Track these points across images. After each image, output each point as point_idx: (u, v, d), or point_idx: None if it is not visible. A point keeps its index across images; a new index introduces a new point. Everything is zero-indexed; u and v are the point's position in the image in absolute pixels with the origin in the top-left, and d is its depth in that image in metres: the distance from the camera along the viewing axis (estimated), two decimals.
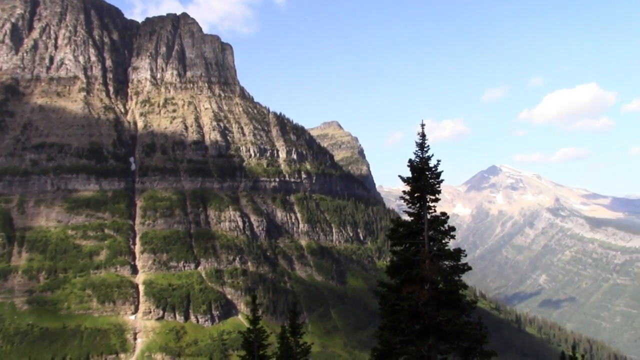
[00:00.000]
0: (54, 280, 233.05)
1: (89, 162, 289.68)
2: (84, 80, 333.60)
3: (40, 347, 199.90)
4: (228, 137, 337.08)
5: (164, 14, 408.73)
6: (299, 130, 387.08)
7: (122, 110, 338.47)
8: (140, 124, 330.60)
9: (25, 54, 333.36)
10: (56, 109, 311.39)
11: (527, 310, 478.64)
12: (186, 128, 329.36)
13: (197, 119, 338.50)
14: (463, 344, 27.38)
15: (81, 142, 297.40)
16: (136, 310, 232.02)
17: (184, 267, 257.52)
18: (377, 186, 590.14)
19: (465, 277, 30.43)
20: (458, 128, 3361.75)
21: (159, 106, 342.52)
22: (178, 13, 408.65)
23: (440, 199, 29.16)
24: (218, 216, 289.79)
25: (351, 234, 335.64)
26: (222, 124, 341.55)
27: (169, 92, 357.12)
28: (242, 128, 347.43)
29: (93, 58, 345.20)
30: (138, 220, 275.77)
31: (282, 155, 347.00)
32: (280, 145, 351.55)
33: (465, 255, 28.62)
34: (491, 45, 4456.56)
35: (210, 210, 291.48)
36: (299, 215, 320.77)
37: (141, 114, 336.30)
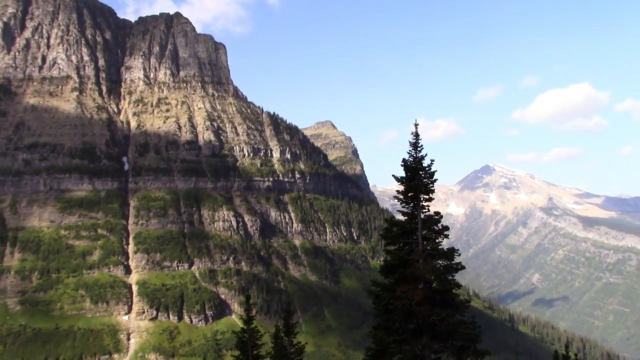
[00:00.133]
0: (47, 281, 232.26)
1: (81, 162, 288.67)
2: (77, 80, 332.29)
3: (33, 348, 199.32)
4: (221, 137, 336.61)
5: (157, 13, 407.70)
6: (293, 130, 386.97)
7: (115, 109, 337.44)
8: (133, 124, 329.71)
9: (17, 54, 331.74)
10: (49, 108, 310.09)
11: (520, 309, 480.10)
12: (179, 128, 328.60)
13: (190, 119, 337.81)
14: (457, 343, 27.41)
15: (74, 142, 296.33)
16: (129, 311, 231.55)
17: (178, 267, 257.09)
18: (370, 186, 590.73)
19: (459, 276, 30.47)
20: (451, 128, 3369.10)
21: (152, 106, 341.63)
22: (171, 12, 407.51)
23: (433, 199, 29.20)
24: (212, 216, 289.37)
25: (345, 234, 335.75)
26: (215, 124, 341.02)
27: (162, 91, 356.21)
28: (235, 128, 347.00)
29: (86, 57, 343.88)
30: (131, 220, 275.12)
31: (276, 155, 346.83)
32: (273, 145, 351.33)
33: (459, 255, 28.66)
34: (484, 45, 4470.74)
35: (203, 210, 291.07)
36: (292, 215, 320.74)
37: (134, 114, 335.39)
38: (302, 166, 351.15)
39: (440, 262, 28.38)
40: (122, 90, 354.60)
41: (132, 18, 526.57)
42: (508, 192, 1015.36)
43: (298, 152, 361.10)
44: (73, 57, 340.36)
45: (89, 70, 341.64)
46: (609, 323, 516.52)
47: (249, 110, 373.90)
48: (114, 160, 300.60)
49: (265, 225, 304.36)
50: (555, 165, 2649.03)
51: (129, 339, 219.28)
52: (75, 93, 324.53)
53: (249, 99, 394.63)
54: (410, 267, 27.46)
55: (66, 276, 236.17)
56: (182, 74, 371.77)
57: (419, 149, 28.74)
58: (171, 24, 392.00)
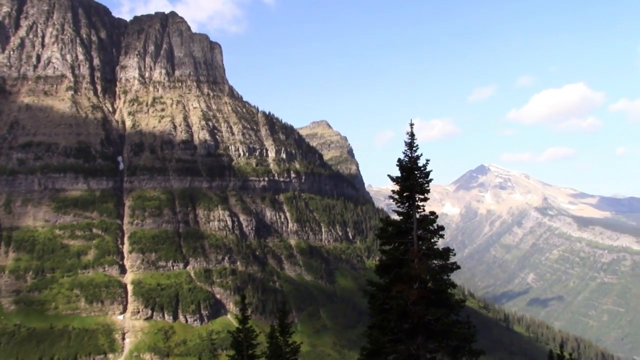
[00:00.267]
0: (42, 280, 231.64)
1: (76, 161, 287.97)
2: (72, 79, 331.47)
3: (27, 348, 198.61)
4: (217, 137, 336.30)
5: (152, 12, 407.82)
6: (288, 130, 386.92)
7: (110, 109, 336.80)
8: (128, 123, 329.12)
9: (12, 52, 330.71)
10: (43, 107, 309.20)
11: (515, 309, 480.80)
12: (175, 127, 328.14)
13: (185, 118, 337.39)
14: (452, 342, 27.44)
15: (69, 141, 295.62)
16: (124, 310, 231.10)
17: (173, 266, 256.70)
18: (366, 185, 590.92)
19: (454, 276, 30.53)
20: (447, 127, 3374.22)
21: (147, 105, 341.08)
22: (166, 12, 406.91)
23: (429, 198, 29.22)
24: (207, 216, 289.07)
25: (340, 234, 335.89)
26: (210, 123, 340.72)
27: (158, 91, 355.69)
28: (231, 127, 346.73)
29: (81, 57, 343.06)
30: (126, 219, 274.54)
31: (271, 154, 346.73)
32: (269, 144, 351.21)
33: (454, 254, 28.70)
34: (479, 44, 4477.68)
35: (199, 210, 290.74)
36: (288, 214, 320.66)
37: (129, 113, 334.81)
38: (297, 166, 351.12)
39: (436, 261, 28.41)
40: (117, 89, 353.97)
41: (127, 17, 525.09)
42: (503, 192, 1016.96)
43: (293, 151, 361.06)
44: (68, 56, 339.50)
45: (84, 70, 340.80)
46: (604, 323, 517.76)
47: (244, 110, 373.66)
48: (109, 159, 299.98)
49: (260, 225, 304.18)
50: (550, 165, 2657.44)
51: (123, 338, 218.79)
52: (70, 92, 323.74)
53: (244, 99, 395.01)
54: (405, 266, 27.50)
55: (61, 276, 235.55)
56: (177, 73, 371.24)
57: (414, 148, 28.76)
58: (166, 23, 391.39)
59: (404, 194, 28.88)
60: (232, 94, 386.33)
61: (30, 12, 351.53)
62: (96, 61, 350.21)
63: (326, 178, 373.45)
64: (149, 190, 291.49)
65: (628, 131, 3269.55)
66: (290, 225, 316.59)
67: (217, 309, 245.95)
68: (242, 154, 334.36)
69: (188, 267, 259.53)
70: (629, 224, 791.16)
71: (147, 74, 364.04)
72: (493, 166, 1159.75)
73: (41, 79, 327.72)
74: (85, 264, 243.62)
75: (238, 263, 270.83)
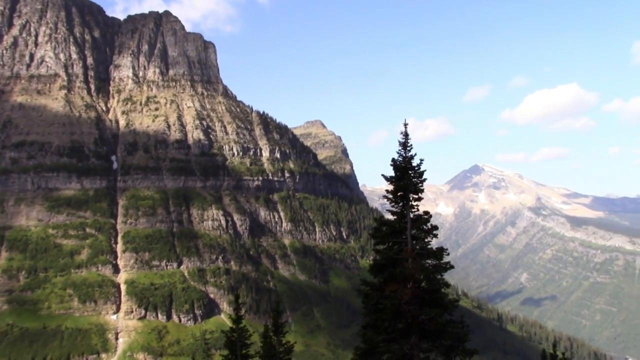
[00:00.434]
0: (34, 280, 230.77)
1: (70, 160, 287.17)
2: (65, 78, 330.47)
3: (20, 348, 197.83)
4: (211, 136, 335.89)
5: (146, 11, 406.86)
6: (283, 129, 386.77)
7: (104, 108, 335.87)
8: (122, 123, 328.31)
9: (4, 51, 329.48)
10: (36, 107, 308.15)
11: (508, 308, 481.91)
12: (169, 126, 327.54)
13: (179, 118, 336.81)
14: (445, 342, 27.48)
15: (62, 141, 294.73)
16: (118, 310, 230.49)
17: (167, 266, 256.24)
18: (360, 185, 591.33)
19: (448, 276, 30.55)
20: (441, 127, 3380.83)
21: (141, 104, 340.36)
22: (160, 11, 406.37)
23: (423, 198, 29.24)
24: (201, 215, 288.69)
25: (334, 233, 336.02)
26: (204, 123, 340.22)
27: (151, 90, 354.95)
28: (225, 127, 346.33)
29: (74, 56, 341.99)
30: (120, 219, 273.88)
31: (266, 154, 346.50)
32: (263, 144, 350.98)
33: (448, 254, 28.71)
34: (474, 45, 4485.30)
35: (192, 209, 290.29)
36: (282, 214, 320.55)
37: (123, 112, 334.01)
38: (291, 165, 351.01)
39: (429, 261, 28.43)
40: (110, 88, 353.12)
41: (121, 16, 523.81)
42: (497, 192, 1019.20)
43: (287, 151, 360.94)
44: (61, 55, 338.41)
45: (77, 69, 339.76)
46: (596, 322, 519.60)
47: (238, 109, 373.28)
48: (102, 159, 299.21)
49: (254, 225, 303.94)
50: (543, 165, 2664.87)
51: (117, 338, 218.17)
52: (64, 91, 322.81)
53: (238, 98, 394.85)
54: (399, 266, 27.52)
55: (54, 275, 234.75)
56: (171, 72, 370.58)
57: (408, 148, 28.77)
58: (160, 23, 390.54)
59: (398, 194, 28.89)
60: (226, 94, 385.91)
61: (23, 11, 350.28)
62: (90, 60, 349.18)
63: (320, 178, 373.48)
64: (143, 190, 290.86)
65: (621, 131, 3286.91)
66: (284, 224, 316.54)
67: (211, 308, 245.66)
68: (236, 153, 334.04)
69: (182, 267, 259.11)
70: (621, 223, 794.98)
71: (140, 73, 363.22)
72: (487, 166, 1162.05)
73: (34, 78, 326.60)
74: (78, 263, 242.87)
75: (232, 263, 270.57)
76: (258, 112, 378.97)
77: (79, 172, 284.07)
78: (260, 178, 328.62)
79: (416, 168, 28.65)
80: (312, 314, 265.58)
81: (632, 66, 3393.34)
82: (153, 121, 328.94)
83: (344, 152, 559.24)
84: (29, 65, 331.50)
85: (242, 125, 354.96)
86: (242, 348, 45.00)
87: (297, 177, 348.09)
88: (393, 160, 28.96)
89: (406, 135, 28.84)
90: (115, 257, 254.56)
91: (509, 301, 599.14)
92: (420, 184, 28.84)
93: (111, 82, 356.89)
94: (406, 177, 28.57)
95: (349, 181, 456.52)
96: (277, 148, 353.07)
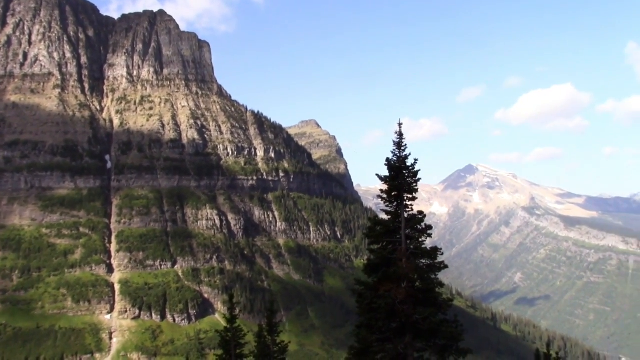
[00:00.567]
0: (28, 280, 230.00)
1: (63, 159, 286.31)
2: (59, 77, 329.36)
3: (13, 348, 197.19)
4: (205, 135, 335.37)
5: (141, 10, 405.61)
6: (277, 129, 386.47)
7: (98, 107, 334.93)
8: (116, 122, 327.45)
9: None
10: (30, 106, 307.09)
11: (502, 308, 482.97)
12: (163, 126, 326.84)
13: (174, 117, 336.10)
14: (439, 341, 27.52)
15: (56, 140, 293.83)
16: (112, 310, 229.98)
17: (161, 265, 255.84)
18: (354, 185, 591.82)
19: (442, 276, 30.59)
20: (435, 127, 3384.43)
21: (135, 104, 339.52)
22: (155, 10, 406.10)
23: (417, 198, 29.27)
24: (195, 215, 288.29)
25: (329, 233, 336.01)
26: (199, 122, 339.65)
27: (146, 89, 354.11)
28: (219, 126, 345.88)
29: (68, 55, 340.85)
30: (114, 218, 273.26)
31: (260, 153, 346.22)
32: (258, 143, 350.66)
33: (442, 254, 28.76)
34: (468, 45, 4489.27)
35: (187, 209, 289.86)
36: (276, 213, 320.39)
37: (117, 112, 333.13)
38: (286, 165, 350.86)
39: (424, 261, 28.46)
40: (104, 87, 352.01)
41: (115, 15, 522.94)
42: (491, 191, 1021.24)
43: (282, 150, 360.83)
44: (55, 54, 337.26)
45: (71, 68, 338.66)
46: (590, 322, 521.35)
47: (233, 109, 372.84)
48: (96, 158, 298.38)
49: (249, 224, 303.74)
50: (537, 165, 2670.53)
51: (111, 338, 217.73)
52: (57, 90, 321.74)
53: (233, 98, 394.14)
54: (393, 266, 27.54)
55: (47, 275, 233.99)
56: (165, 72, 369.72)
57: (402, 148, 28.78)
58: (155, 22, 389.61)
59: (392, 194, 28.91)
60: (221, 93, 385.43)
61: (17, 10, 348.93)
62: (84, 59, 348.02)
63: (315, 177, 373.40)
64: (137, 189, 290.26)
65: (615, 131, 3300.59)
66: (278, 224, 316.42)
67: (205, 308, 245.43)
68: (230, 153, 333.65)
69: (176, 267, 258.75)
70: (615, 223, 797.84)
71: (135, 73, 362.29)
72: (481, 166, 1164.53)
73: (28, 77, 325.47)
74: (72, 263, 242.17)
75: (226, 262, 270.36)
76: (253, 112, 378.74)
77: (72, 172, 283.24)
78: (255, 178, 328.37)
79: (410, 168, 28.66)
80: (306, 313, 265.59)
81: (625, 66, 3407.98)
82: (147, 120, 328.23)
83: (339, 151, 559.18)
84: (22, 64, 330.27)
85: (237, 125, 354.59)
86: (236, 348, 45.00)
87: (292, 176, 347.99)
88: (387, 160, 28.97)
89: (400, 135, 28.87)
90: (109, 257, 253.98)
91: (503, 301, 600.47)
92: (414, 184, 28.86)
93: (105, 82, 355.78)
94: (400, 176, 28.60)
95: (343, 181, 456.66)
96: (271, 148, 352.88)
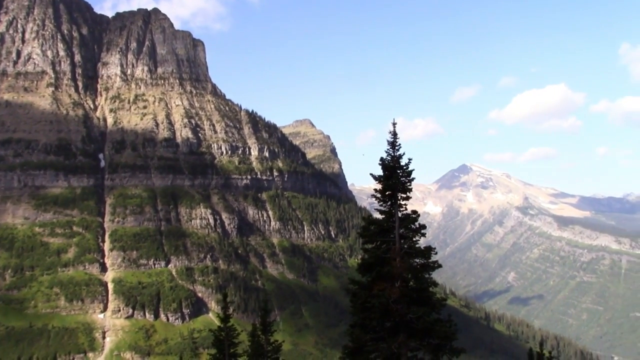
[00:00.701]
0: (21, 279, 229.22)
1: (57, 158, 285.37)
2: (52, 76, 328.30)
3: (6, 347, 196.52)
4: (199, 134, 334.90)
5: (135, 9, 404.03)
6: (271, 128, 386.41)
7: (92, 106, 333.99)
8: (110, 120, 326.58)
9: None
10: (23, 104, 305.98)
11: (496, 307, 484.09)
12: (157, 125, 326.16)
13: (168, 116, 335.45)
14: (433, 341, 27.53)
15: (49, 138, 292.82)
16: (105, 309, 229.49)
17: (154, 264, 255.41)
18: (348, 184, 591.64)
19: (436, 275, 30.66)
20: (429, 127, 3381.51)
21: (129, 102, 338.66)
22: (149, 8, 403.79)
23: (411, 197, 29.26)
24: (189, 214, 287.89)
25: (323, 232, 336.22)
26: (193, 121, 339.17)
27: (140, 88, 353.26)
28: (213, 125, 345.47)
29: (62, 53, 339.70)
30: (107, 217, 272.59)
31: (254, 152, 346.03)
32: (252, 142, 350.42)
33: (436, 253, 28.77)
34: (462, 45, 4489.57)
35: (181, 208, 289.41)
36: (270, 213, 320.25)
37: (111, 110, 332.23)
38: (280, 164, 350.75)
39: (417, 260, 28.46)
40: (98, 86, 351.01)
41: (109, 14, 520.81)
42: (485, 191, 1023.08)
43: (276, 150, 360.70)
44: (49, 52, 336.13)
45: (65, 66, 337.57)
46: (583, 321, 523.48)
47: (227, 108, 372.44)
48: (90, 157, 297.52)
49: (242, 223, 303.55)
50: (531, 165, 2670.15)
51: (104, 337, 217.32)
52: (51, 89, 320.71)
53: (227, 97, 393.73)
54: (387, 265, 27.54)
55: (40, 274, 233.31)
56: (159, 70, 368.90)
57: (396, 147, 28.76)
58: (149, 20, 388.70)
59: (386, 193, 28.91)
60: (215, 92, 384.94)
61: (10, 7, 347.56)
62: (77, 57, 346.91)
63: (309, 176, 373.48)
64: (131, 188, 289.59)
65: (608, 132, 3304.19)
66: (272, 223, 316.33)
67: (199, 307, 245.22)
68: (224, 152, 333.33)
69: (170, 266, 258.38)
70: (608, 223, 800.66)
71: (129, 71, 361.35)
72: (475, 166, 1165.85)
73: (21, 75, 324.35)
74: (65, 262, 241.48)
75: (220, 261, 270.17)
76: (247, 111, 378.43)
77: (66, 170, 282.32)
78: (249, 177, 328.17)
79: (404, 167, 28.66)
80: (300, 312, 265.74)
81: (619, 67, 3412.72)
82: (141, 119, 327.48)
83: (333, 151, 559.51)
84: (15, 62, 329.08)
85: (231, 124, 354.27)
86: (230, 347, 44.98)
87: (286, 176, 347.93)
88: (381, 159, 28.96)
89: (395, 134, 28.86)
90: (103, 256, 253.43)
91: (497, 300, 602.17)
92: (408, 183, 28.86)
93: (99, 80, 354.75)
94: (394, 176, 28.59)
95: (337, 180, 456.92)
96: (265, 147, 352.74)
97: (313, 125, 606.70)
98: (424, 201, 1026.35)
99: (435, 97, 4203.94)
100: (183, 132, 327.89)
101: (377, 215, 30.18)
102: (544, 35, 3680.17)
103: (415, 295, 27.68)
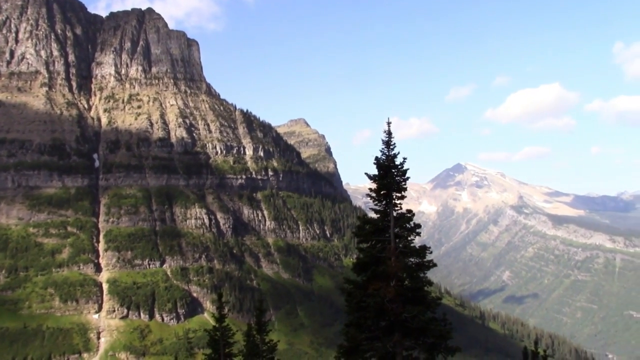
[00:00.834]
0: (15, 279, 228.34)
1: (51, 158, 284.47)
2: (46, 76, 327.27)
3: (0, 348, 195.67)
4: (194, 134, 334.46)
5: (129, 8, 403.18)
6: (266, 128, 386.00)
7: (86, 106, 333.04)
8: (104, 120, 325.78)
9: None
10: (17, 104, 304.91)
11: (491, 306, 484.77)
12: (151, 124, 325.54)
13: (162, 116, 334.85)
14: (428, 339, 27.61)
15: (43, 138, 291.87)
16: (100, 309, 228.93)
17: (149, 265, 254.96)
18: (344, 184, 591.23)
19: (431, 274, 30.70)
20: (424, 126, 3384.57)
21: (123, 102, 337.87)
22: (143, 8, 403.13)
23: (406, 197, 29.31)
24: (184, 213, 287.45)
25: (318, 232, 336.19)
26: (188, 121, 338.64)
27: (134, 88, 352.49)
28: (208, 125, 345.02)
29: (55, 53, 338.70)
30: (102, 217, 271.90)
31: (249, 152, 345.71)
32: (247, 142, 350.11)
33: (431, 252, 28.81)
34: (457, 44, 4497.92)
35: (175, 208, 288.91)
36: (265, 212, 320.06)
37: (105, 110, 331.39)
38: (275, 164, 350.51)
39: (412, 259, 28.52)
40: (92, 86, 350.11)
41: (103, 13, 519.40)
42: (479, 190, 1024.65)
43: (271, 149, 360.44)
44: (42, 52, 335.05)
45: (59, 66, 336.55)
46: (577, 320, 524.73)
47: (221, 108, 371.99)
48: (84, 157, 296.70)
49: (237, 223, 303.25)
50: (525, 164, 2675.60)
51: (99, 337, 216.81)
52: (45, 89, 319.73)
53: (222, 96, 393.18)
54: (382, 264, 27.59)
55: (35, 274, 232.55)
56: (154, 70, 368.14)
57: (391, 147, 28.84)
58: (143, 20, 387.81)
59: (381, 192, 28.96)
60: (210, 92, 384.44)
61: (3, 7, 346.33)
62: (71, 57, 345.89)
63: (304, 176, 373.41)
64: (125, 188, 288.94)
65: (602, 131, 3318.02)
66: (267, 223, 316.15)
67: (194, 307, 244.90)
68: (219, 151, 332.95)
69: (164, 266, 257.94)
70: (602, 222, 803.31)
71: (123, 71, 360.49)
72: (470, 165, 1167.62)
73: (15, 75, 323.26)
74: (59, 262, 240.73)
75: (215, 261, 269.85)
76: (241, 111, 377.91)
77: (60, 171, 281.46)
78: (244, 176, 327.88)
79: (399, 167, 28.72)
80: (295, 312, 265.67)
81: (613, 66, 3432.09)
82: (135, 119, 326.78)
83: (328, 150, 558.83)
84: (9, 62, 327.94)
85: (226, 124, 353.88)
86: (225, 347, 44.93)
87: (281, 175, 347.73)
88: (376, 158, 29.01)
89: (389, 134, 28.92)
90: (97, 256, 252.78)
91: (492, 299, 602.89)
92: (403, 183, 28.92)
93: (93, 80, 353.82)
94: (389, 175, 28.65)
95: (332, 180, 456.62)
96: (260, 146, 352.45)
97: (308, 125, 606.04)
98: (419, 200, 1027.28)
99: (430, 97, 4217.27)
100: (177, 132, 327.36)
101: (372, 215, 30.23)
102: (538, 34, 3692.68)
103: (410, 295, 27.74)
